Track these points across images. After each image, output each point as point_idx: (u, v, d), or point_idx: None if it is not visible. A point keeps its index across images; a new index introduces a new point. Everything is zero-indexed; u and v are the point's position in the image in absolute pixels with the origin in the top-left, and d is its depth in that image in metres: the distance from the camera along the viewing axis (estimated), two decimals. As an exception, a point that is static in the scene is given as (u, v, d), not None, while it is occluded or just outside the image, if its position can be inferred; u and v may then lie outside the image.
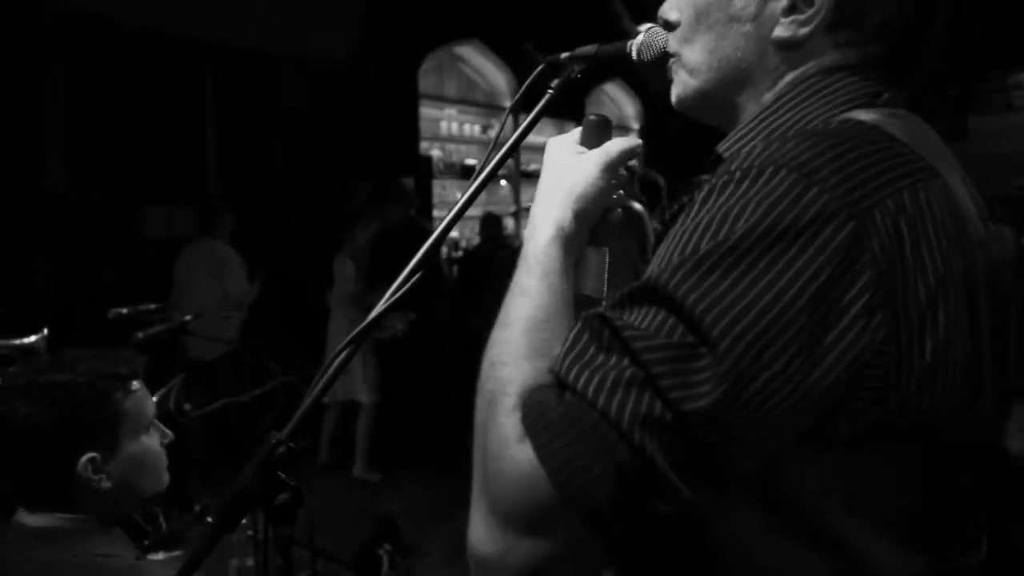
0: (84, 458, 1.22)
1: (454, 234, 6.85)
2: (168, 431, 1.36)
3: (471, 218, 6.23)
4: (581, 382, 0.59)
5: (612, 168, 0.80)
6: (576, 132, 0.86)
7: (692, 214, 0.61)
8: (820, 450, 0.60)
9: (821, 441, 0.60)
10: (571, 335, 0.63)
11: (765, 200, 0.58)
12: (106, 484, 1.24)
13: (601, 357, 0.59)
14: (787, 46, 0.72)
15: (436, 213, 6.64)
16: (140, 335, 3.02)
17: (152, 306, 3.30)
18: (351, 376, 4.36)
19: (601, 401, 0.58)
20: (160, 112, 5.44)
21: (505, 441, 0.62)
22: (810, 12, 0.70)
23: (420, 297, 4.50)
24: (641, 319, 0.59)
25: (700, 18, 0.76)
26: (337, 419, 4.63)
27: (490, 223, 5.94)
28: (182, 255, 4.57)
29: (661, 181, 4.24)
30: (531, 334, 0.69)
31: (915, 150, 0.65)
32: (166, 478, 1.34)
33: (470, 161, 7.74)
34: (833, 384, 0.57)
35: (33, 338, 2.34)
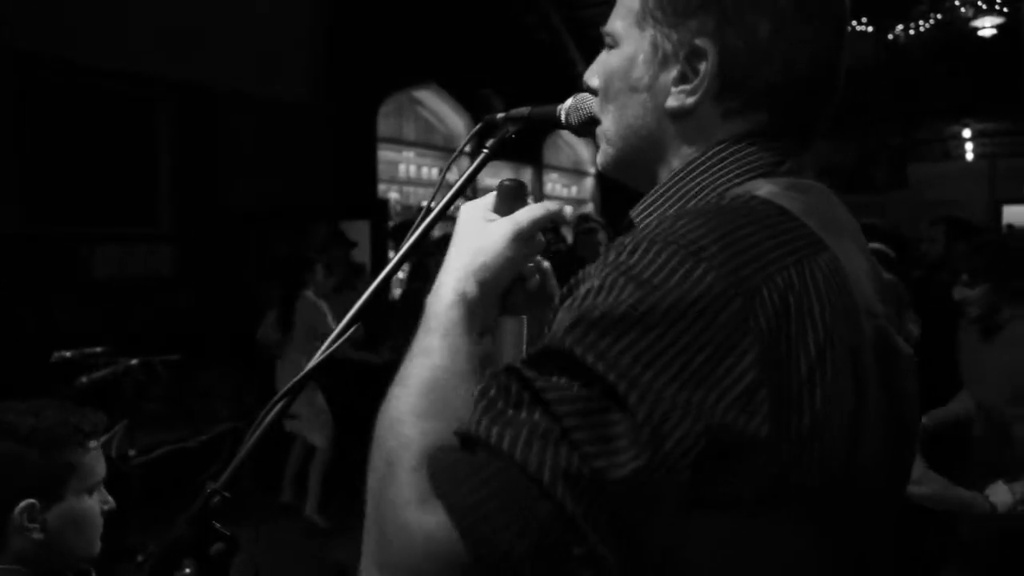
0: (22, 504, 1.20)
1: (401, 274, 6.85)
2: (111, 499, 1.32)
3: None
4: (494, 436, 0.56)
5: (522, 237, 0.79)
6: (490, 197, 0.84)
7: (588, 280, 0.62)
8: (696, 516, 0.58)
9: (696, 507, 0.58)
10: (478, 391, 0.60)
11: (655, 277, 0.58)
12: (38, 535, 1.21)
13: (511, 411, 0.57)
14: (679, 115, 0.74)
15: (392, 254, 6.64)
16: (84, 379, 2.95)
17: (98, 349, 3.23)
18: (304, 419, 4.29)
19: (518, 455, 0.54)
20: (113, 150, 5.39)
21: (407, 503, 0.57)
22: (696, 82, 0.72)
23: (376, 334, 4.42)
24: (548, 375, 0.57)
25: (608, 86, 0.78)
26: (302, 456, 4.54)
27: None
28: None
29: (602, 235, 4.27)
30: (431, 394, 0.67)
31: (807, 223, 0.66)
32: (98, 546, 1.30)
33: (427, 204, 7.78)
34: (713, 457, 0.56)
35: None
